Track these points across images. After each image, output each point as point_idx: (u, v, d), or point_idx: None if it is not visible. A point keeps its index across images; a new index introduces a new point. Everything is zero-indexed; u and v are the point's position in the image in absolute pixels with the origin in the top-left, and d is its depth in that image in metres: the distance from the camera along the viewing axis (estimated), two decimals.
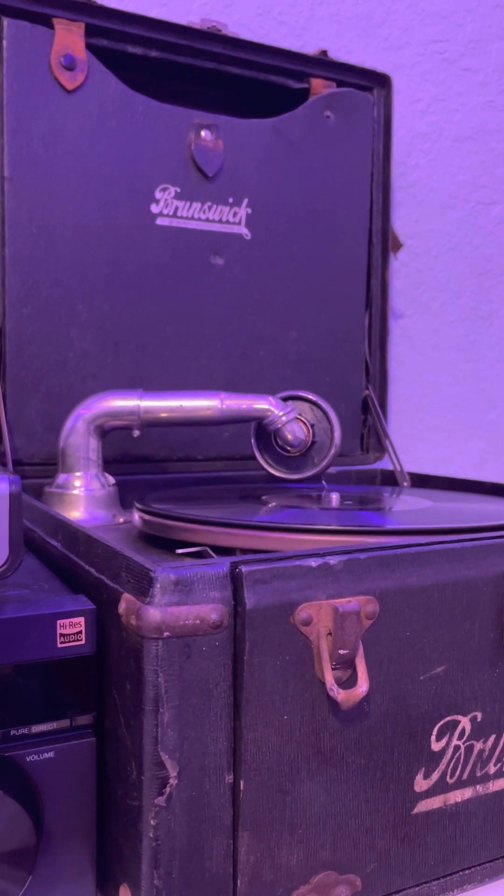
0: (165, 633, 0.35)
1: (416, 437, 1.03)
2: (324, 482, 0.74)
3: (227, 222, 0.80)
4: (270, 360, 0.84)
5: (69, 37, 0.70)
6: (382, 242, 0.88)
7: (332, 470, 0.86)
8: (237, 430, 0.82)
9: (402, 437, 1.02)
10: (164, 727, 0.35)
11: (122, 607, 0.37)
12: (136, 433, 0.67)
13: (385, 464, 0.88)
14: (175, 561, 0.42)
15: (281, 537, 0.47)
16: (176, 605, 0.36)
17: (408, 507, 0.61)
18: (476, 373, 1.06)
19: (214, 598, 0.37)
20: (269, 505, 0.61)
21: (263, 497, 0.65)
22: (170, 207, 0.77)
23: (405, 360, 1.02)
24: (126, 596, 0.37)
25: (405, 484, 0.84)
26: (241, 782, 0.37)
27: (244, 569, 0.37)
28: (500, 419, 1.08)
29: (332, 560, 0.39)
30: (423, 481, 0.84)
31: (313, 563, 0.39)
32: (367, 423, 0.90)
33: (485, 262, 1.05)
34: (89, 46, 0.72)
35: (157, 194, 0.76)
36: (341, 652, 0.38)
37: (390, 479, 0.88)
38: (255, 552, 0.41)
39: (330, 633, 0.38)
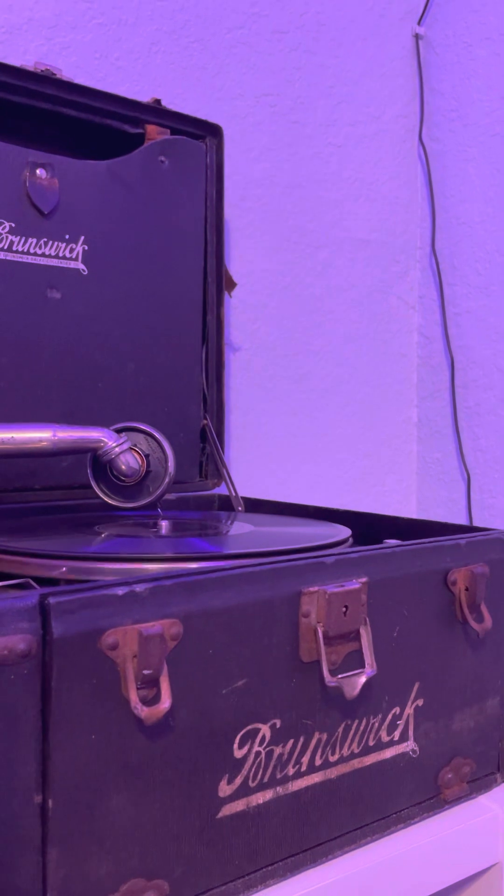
0: None
1: (256, 463, 1.09)
2: (159, 509, 0.77)
3: (64, 258, 0.82)
4: (110, 392, 0.86)
5: None
6: (217, 281, 0.93)
7: (172, 496, 0.90)
8: (76, 459, 0.83)
9: (243, 463, 1.07)
10: None
11: None
12: None
13: (223, 490, 0.93)
14: None
15: (93, 566, 0.50)
16: None
17: (231, 531, 0.66)
18: (309, 402, 1.13)
19: (23, 629, 0.39)
20: (100, 535, 0.63)
21: (96, 526, 0.68)
22: (4, 242, 0.78)
23: (244, 390, 1.08)
24: None
25: (240, 509, 0.89)
26: (50, 801, 0.39)
27: (52, 600, 0.40)
28: (331, 445, 1.16)
29: (139, 587, 0.43)
30: (256, 506, 0.89)
31: (120, 591, 0.42)
32: (205, 451, 0.94)
33: (315, 300, 1.13)
34: None
35: None
36: (145, 672, 0.41)
37: (227, 504, 0.92)
38: (77, 582, 0.44)
39: (135, 656, 0.41)
